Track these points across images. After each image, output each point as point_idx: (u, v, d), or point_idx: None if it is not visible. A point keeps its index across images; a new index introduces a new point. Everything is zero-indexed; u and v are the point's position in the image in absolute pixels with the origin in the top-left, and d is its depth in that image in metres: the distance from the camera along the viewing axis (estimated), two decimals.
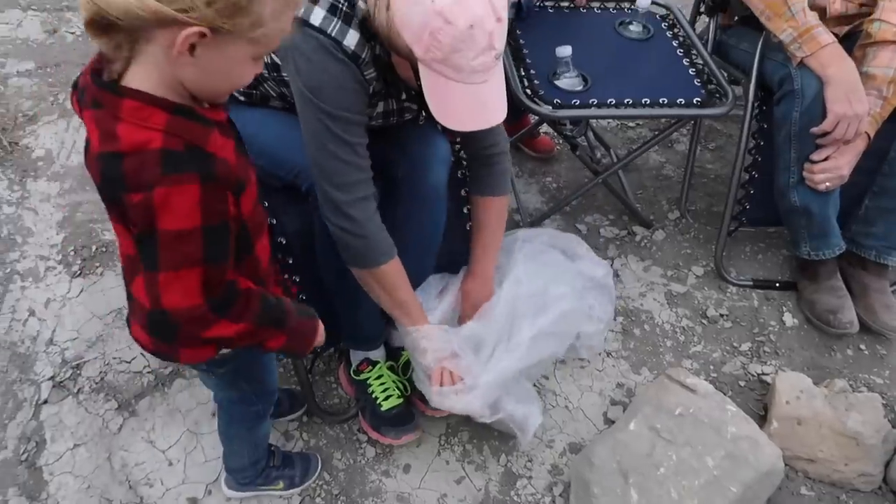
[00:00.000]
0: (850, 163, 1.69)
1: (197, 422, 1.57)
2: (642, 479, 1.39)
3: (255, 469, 1.38)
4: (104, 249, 1.93)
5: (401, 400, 1.54)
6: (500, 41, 1.09)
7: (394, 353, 1.64)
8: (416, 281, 1.54)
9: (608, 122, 2.52)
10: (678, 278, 2.00)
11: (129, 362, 1.67)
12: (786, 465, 1.51)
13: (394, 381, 1.57)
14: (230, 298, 0.88)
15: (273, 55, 1.28)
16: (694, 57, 1.91)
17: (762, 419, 1.63)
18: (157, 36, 0.74)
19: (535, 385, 1.69)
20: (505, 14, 1.08)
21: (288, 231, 1.44)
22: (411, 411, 1.55)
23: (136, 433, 1.55)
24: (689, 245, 2.10)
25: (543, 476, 1.54)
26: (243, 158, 0.91)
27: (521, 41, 1.89)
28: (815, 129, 1.67)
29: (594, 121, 2.35)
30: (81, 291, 1.82)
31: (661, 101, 1.73)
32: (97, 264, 1.89)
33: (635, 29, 1.98)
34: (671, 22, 2.05)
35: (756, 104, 1.86)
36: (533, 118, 2.27)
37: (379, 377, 1.57)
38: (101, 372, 1.65)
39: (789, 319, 1.89)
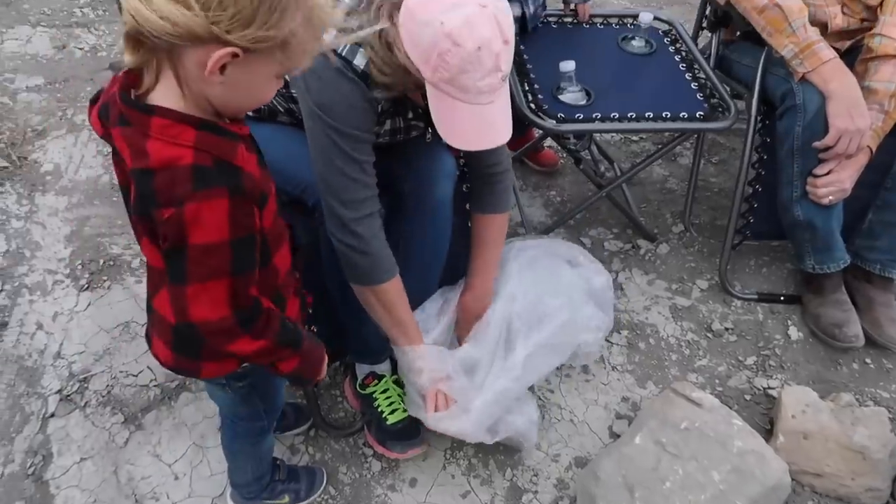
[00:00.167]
0: (852, 177, 1.70)
1: (203, 435, 1.57)
2: (648, 494, 1.39)
3: (260, 484, 1.38)
4: (111, 263, 1.94)
5: (406, 414, 1.54)
6: (507, 63, 1.11)
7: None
8: (422, 294, 1.55)
9: (612, 136, 2.53)
10: (683, 292, 2.00)
11: (136, 375, 1.68)
12: (792, 479, 1.50)
13: (399, 395, 1.57)
14: (255, 314, 0.89)
15: None
16: (696, 71, 1.93)
17: (768, 433, 1.63)
18: (189, 54, 0.76)
19: (539, 399, 1.69)
20: (512, 36, 1.10)
21: (293, 245, 1.44)
22: (417, 425, 1.55)
23: (142, 447, 1.55)
24: (694, 258, 2.11)
25: (549, 490, 1.54)
26: (265, 172, 0.92)
27: (525, 56, 1.91)
28: (817, 144, 1.67)
29: (598, 135, 2.36)
30: (89, 305, 1.83)
31: (664, 115, 1.75)
32: (104, 278, 1.90)
33: (638, 44, 2.00)
34: (673, 37, 2.07)
35: (759, 118, 1.88)
36: (537, 132, 2.28)
37: (385, 391, 1.57)
38: (107, 385, 1.65)
39: (794, 333, 1.89)
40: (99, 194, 2.15)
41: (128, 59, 0.80)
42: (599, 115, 1.73)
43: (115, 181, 2.15)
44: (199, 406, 1.62)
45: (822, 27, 1.77)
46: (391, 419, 1.53)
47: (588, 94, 1.79)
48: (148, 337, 1.03)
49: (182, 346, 0.89)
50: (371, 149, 1.28)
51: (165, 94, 0.80)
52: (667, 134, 2.19)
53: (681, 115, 1.75)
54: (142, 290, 1.87)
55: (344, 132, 1.22)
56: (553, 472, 1.57)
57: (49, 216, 2.07)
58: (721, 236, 2.02)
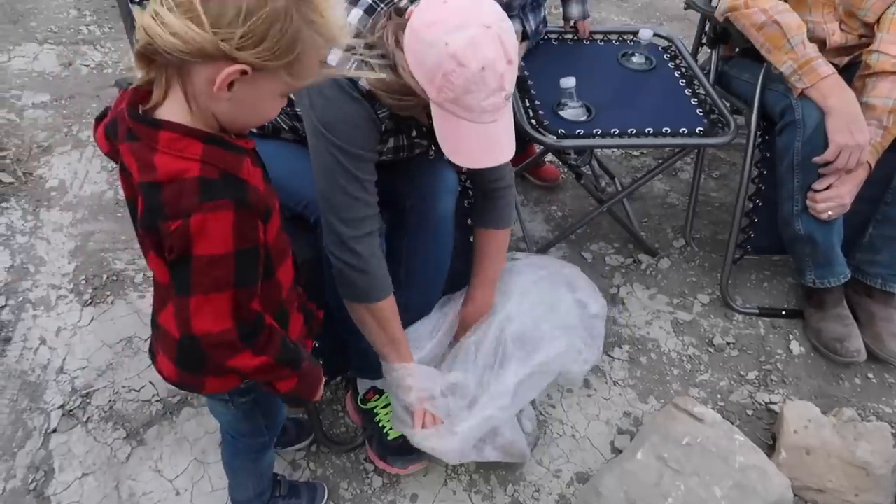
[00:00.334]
0: (851, 192, 1.71)
1: (204, 451, 1.57)
2: None
3: (261, 500, 1.38)
4: (115, 278, 1.95)
5: None
6: (511, 83, 1.12)
7: None
8: (424, 309, 1.55)
9: (613, 151, 2.55)
10: (684, 306, 2.00)
11: (139, 391, 1.69)
12: (795, 495, 1.49)
13: None
14: (257, 328, 0.90)
15: None
16: (696, 87, 1.94)
17: (770, 448, 1.62)
18: (198, 71, 0.78)
19: (540, 414, 1.69)
20: (516, 57, 1.12)
21: (297, 260, 1.45)
22: None
23: (143, 462, 1.55)
24: (695, 273, 2.11)
25: None
26: (269, 186, 0.94)
27: (526, 73, 1.92)
28: (817, 159, 1.68)
29: (599, 150, 2.37)
30: (92, 320, 1.84)
31: (664, 130, 1.76)
32: (108, 293, 1.91)
33: (638, 60, 2.02)
34: (673, 53, 2.09)
35: (758, 134, 1.89)
36: (538, 147, 2.30)
37: (386, 406, 1.57)
38: (110, 400, 1.66)
39: (796, 348, 1.89)
40: (103, 210, 2.17)
41: (139, 75, 0.82)
42: (600, 131, 1.75)
43: (120, 196, 2.18)
44: (200, 421, 1.62)
45: (821, 44, 1.79)
46: (392, 434, 1.53)
47: (588, 109, 1.80)
48: (152, 353, 1.04)
49: (186, 361, 0.89)
50: (373, 167, 1.29)
51: (173, 109, 0.82)
52: (667, 149, 2.21)
53: (681, 130, 1.77)
54: (144, 305, 1.88)
55: (347, 151, 1.23)
56: (554, 487, 1.57)
57: (53, 231, 2.09)
58: (722, 251, 2.02)
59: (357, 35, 1.20)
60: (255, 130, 1.46)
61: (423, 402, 1.40)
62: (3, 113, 2.51)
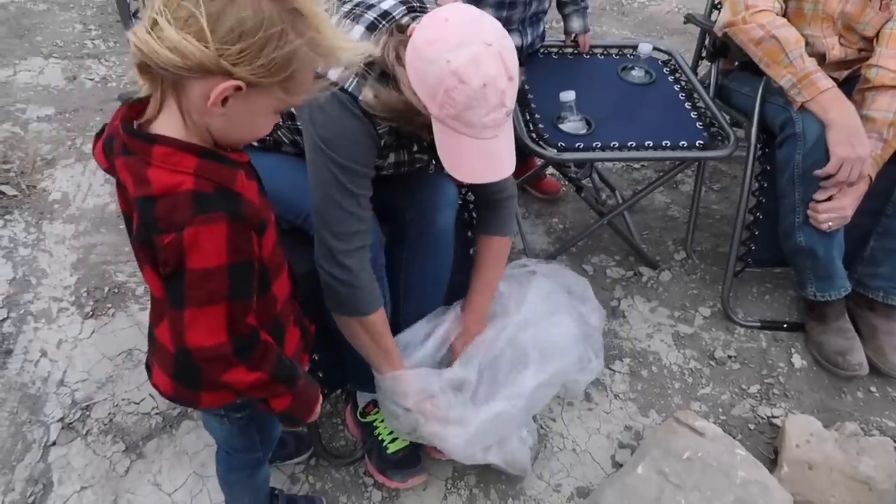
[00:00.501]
0: (852, 204, 1.71)
1: (203, 464, 1.57)
2: None
3: None
4: (116, 291, 1.96)
5: (407, 442, 1.54)
6: (511, 99, 1.13)
7: None
8: None
9: (613, 164, 2.55)
10: (685, 319, 2.00)
11: (138, 403, 1.68)
12: None
13: None
14: (252, 343, 0.89)
15: None
16: (696, 101, 1.95)
17: (772, 463, 1.61)
18: (193, 86, 0.78)
19: (541, 428, 1.68)
20: (516, 73, 1.12)
21: (296, 273, 1.45)
22: (418, 454, 1.55)
23: (142, 476, 1.55)
24: (696, 286, 2.10)
25: None
26: (265, 200, 0.94)
27: (526, 86, 1.93)
28: (818, 172, 1.68)
29: (600, 163, 2.38)
30: (93, 333, 1.84)
31: (663, 143, 1.76)
32: (109, 305, 1.91)
33: (638, 74, 2.03)
34: (673, 67, 2.10)
35: (759, 147, 1.89)
36: (539, 160, 2.30)
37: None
38: (109, 413, 1.66)
39: (798, 361, 1.88)
40: (105, 222, 2.18)
41: (143, 87, 0.82)
42: (599, 144, 1.75)
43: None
44: (200, 434, 1.62)
45: (821, 58, 1.79)
46: (392, 447, 1.53)
47: (588, 123, 1.81)
48: (148, 367, 1.04)
49: (182, 375, 0.89)
50: (370, 183, 1.30)
51: (168, 124, 0.82)
52: (668, 162, 2.21)
53: (680, 143, 1.77)
54: (145, 317, 1.88)
55: (345, 166, 1.23)
56: (555, 502, 1.56)
57: (56, 244, 2.10)
58: (723, 263, 2.02)
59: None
60: (255, 144, 1.48)
61: (423, 403, 1.39)
62: (7, 126, 2.53)
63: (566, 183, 2.39)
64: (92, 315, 1.89)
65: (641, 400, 1.78)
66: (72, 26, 3.19)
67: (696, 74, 2.13)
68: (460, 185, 1.56)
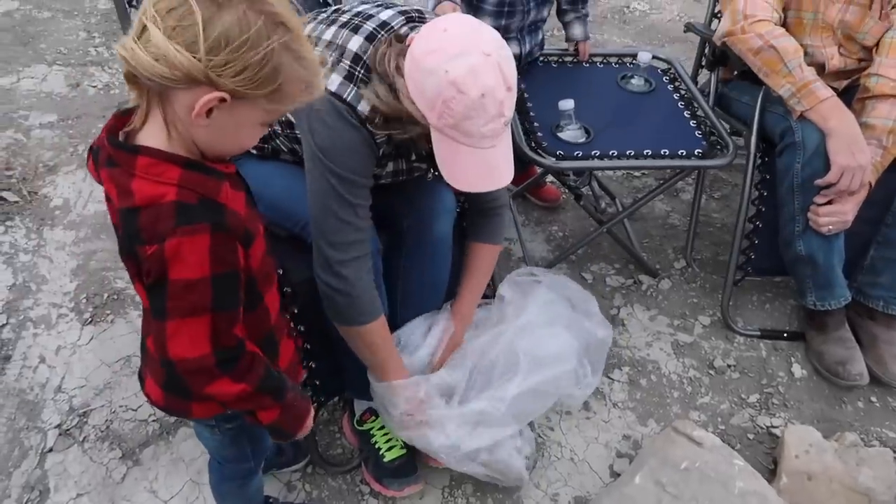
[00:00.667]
0: (853, 209, 1.70)
1: (200, 472, 1.56)
2: None
3: None
4: (115, 297, 1.96)
5: (404, 451, 1.53)
6: (510, 109, 1.13)
7: None
8: None
9: (613, 172, 2.55)
10: (685, 328, 1.99)
11: (136, 410, 1.68)
12: None
13: None
14: (237, 354, 0.88)
15: (288, 113, 1.33)
16: (695, 109, 1.95)
17: (771, 473, 1.60)
18: (178, 97, 0.78)
19: (539, 436, 1.68)
20: (515, 83, 1.13)
21: (294, 281, 1.46)
22: (414, 462, 1.54)
23: (139, 483, 1.54)
24: (696, 294, 2.10)
25: None
26: (253, 211, 0.93)
27: (525, 94, 1.94)
28: (820, 182, 1.68)
29: (599, 171, 2.38)
30: (91, 339, 1.84)
31: (662, 152, 1.76)
32: (108, 312, 1.92)
33: (637, 82, 2.03)
34: (672, 76, 2.10)
35: (758, 156, 1.89)
36: (538, 168, 2.30)
37: (382, 427, 1.56)
38: (107, 420, 1.66)
39: (798, 370, 1.87)
40: (106, 229, 2.18)
41: (132, 98, 0.82)
42: (598, 153, 1.75)
43: None
44: (196, 442, 1.59)
45: (820, 68, 1.79)
46: (388, 456, 1.52)
47: (587, 131, 1.81)
48: (141, 376, 1.03)
49: (172, 386, 0.88)
50: (368, 193, 1.30)
51: (152, 134, 0.82)
52: (668, 170, 2.21)
53: (679, 152, 1.77)
54: None
55: (343, 176, 1.24)
56: None
57: (56, 250, 2.10)
58: (723, 272, 2.01)
59: (358, 61, 1.21)
60: (254, 151, 1.48)
61: (411, 411, 1.39)
62: (10, 133, 2.55)
63: (566, 191, 2.39)
64: (91, 321, 1.89)
65: (640, 409, 1.77)
66: (76, 34, 3.21)
67: (696, 83, 2.13)
68: (458, 192, 1.57)
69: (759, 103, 1.85)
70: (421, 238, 1.50)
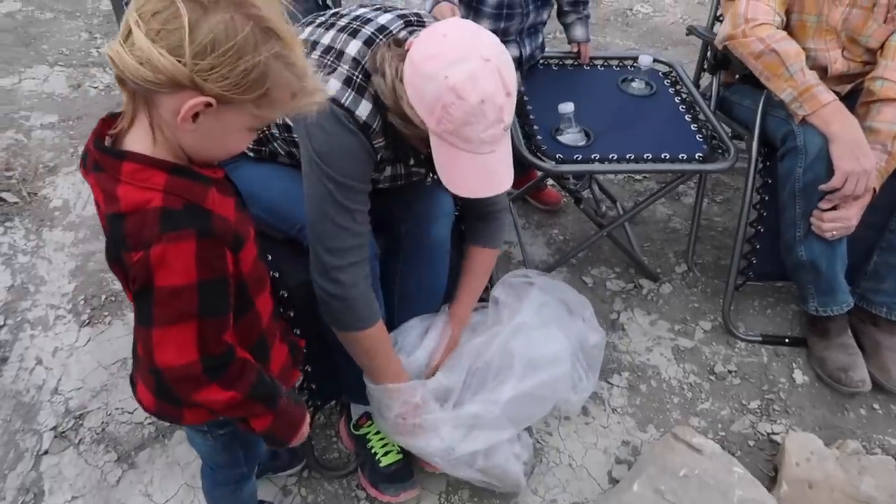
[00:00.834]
0: (857, 214, 1.69)
1: (195, 475, 1.55)
2: None
3: None
4: (113, 299, 1.95)
5: (400, 456, 1.52)
6: (509, 115, 1.12)
7: None
8: None
9: (615, 175, 2.54)
10: (685, 333, 1.98)
11: (132, 412, 1.68)
12: None
13: None
14: (225, 361, 0.87)
15: (286, 117, 1.32)
16: (696, 113, 1.93)
17: (772, 481, 1.58)
18: (164, 101, 0.77)
19: (537, 442, 1.66)
20: (514, 88, 1.12)
21: (290, 284, 1.44)
22: (410, 468, 1.53)
23: (134, 486, 1.54)
24: (697, 299, 2.08)
25: None
26: (243, 215, 0.92)
27: (525, 98, 1.93)
28: (823, 187, 1.66)
29: (600, 174, 2.36)
30: (89, 341, 1.84)
31: (663, 156, 1.75)
32: (106, 313, 1.91)
33: (638, 86, 2.02)
34: (673, 79, 2.09)
35: (760, 160, 1.87)
36: (538, 171, 2.29)
37: (379, 432, 1.55)
38: (102, 422, 1.65)
39: (799, 377, 1.85)
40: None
41: (123, 101, 0.81)
42: (598, 156, 1.74)
43: None
44: None
45: (822, 71, 1.78)
46: (385, 461, 1.51)
47: (587, 135, 1.80)
48: (132, 382, 1.02)
49: (162, 392, 0.87)
50: (366, 198, 1.29)
51: (138, 138, 0.81)
52: (669, 174, 2.20)
53: (680, 156, 1.75)
54: None
55: (340, 182, 1.23)
56: None
57: (55, 251, 2.10)
58: (725, 276, 1.99)
59: (356, 66, 1.21)
60: (251, 154, 1.47)
61: (406, 416, 1.39)
62: (11, 133, 2.55)
63: (566, 194, 2.37)
64: (88, 323, 1.88)
65: (640, 414, 1.76)
66: (78, 35, 3.22)
67: (698, 86, 2.12)
68: (456, 196, 1.56)
69: (760, 107, 1.83)
70: (419, 242, 1.49)
